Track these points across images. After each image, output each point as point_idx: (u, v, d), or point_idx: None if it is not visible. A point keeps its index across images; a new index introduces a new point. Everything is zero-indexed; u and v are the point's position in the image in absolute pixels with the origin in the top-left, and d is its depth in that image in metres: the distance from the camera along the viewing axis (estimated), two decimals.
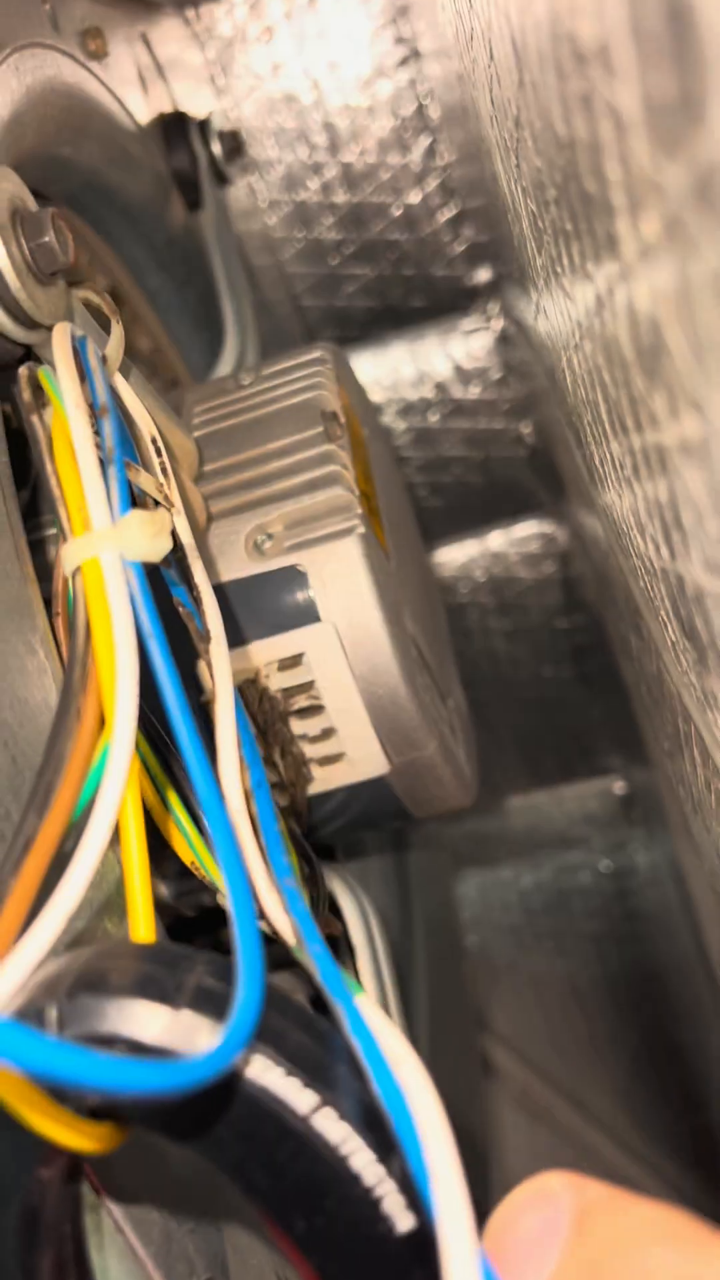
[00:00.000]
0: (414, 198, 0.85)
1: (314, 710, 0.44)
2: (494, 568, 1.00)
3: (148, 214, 0.60)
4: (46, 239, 0.28)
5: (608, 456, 0.31)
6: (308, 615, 0.43)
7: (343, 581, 0.43)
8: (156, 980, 0.19)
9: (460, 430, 0.94)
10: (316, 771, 0.45)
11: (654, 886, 1.05)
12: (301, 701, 0.44)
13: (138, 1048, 0.19)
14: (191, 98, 0.75)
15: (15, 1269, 0.21)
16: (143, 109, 0.60)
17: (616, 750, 1.04)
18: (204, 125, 0.62)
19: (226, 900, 0.21)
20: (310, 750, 0.45)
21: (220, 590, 0.44)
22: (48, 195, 0.53)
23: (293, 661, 0.43)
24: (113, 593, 0.24)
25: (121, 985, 0.19)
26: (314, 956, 0.22)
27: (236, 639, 0.43)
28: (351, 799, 0.47)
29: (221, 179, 0.65)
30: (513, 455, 0.94)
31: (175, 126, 0.61)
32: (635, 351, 0.19)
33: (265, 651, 0.43)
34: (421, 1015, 0.65)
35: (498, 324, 0.89)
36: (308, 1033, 0.20)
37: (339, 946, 0.46)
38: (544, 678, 1.03)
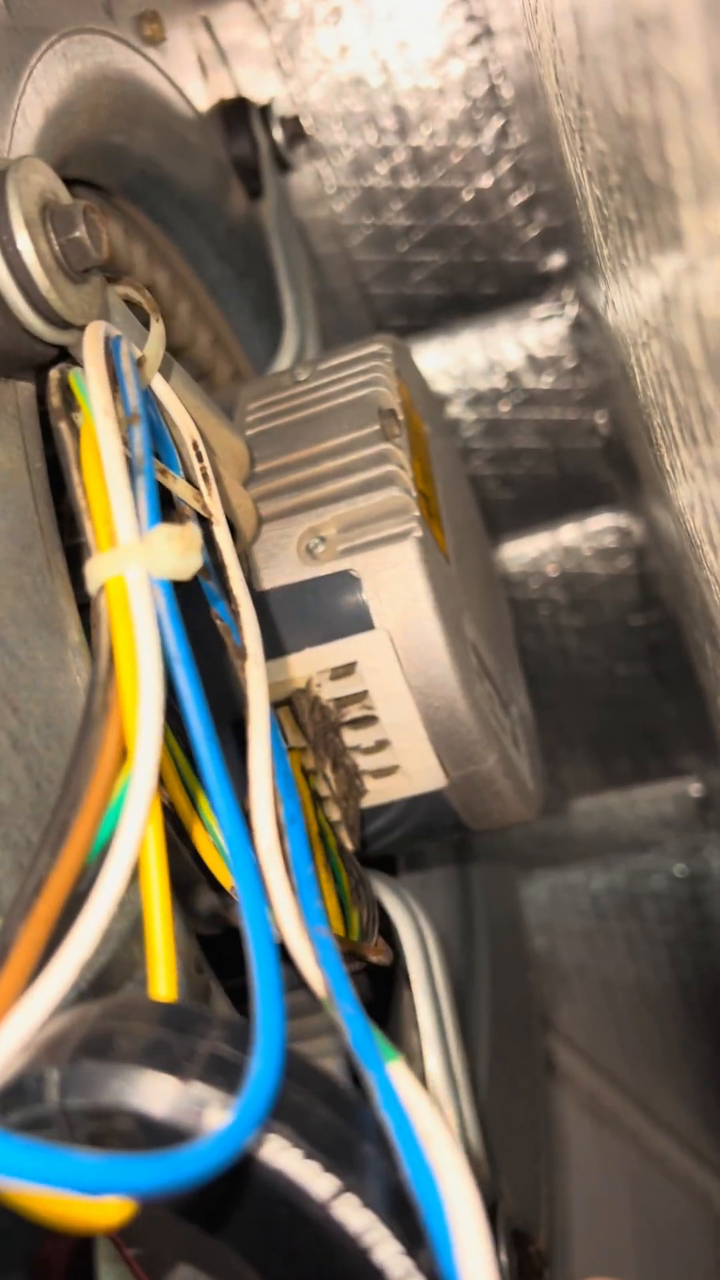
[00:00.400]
0: (485, 181, 0.83)
1: (367, 721, 0.42)
2: (566, 562, 0.97)
3: (207, 203, 0.59)
4: (78, 234, 0.26)
5: (678, 463, 0.28)
6: (361, 622, 0.41)
7: (398, 587, 0.41)
8: (166, 1047, 0.18)
9: (532, 421, 0.92)
10: (371, 784, 0.44)
11: None
12: (354, 712, 0.42)
13: (143, 1123, 0.17)
14: (257, 83, 0.73)
15: None
16: (202, 95, 0.59)
17: (693, 751, 1.00)
18: (265, 110, 0.61)
19: (248, 960, 0.19)
20: (364, 762, 0.43)
21: (271, 596, 0.42)
22: (103, 185, 0.52)
23: (345, 670, 0.41)
24: (138, 613, 0.23)
25: (129, 1052, 0.18)
26: (345, 1018, 0.20)
27: (287, 646, 0.42)
28: (407, 812, 0.45)
29: (283, 166, 0.63)
30: (586, 446, 0.91)
31: (236, 112, 0.59)
32: (705, 359, 0.17)
33: (317, 660, 0.41)
34: (483, 1025, 0.63)
35: (572, 310, 0.86)
36: (331, 1107, 0.18)
37: (393, 974, 0.44)
38: (617, 676, 1.00)
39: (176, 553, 0.23)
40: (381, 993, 0.51)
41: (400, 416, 0.44)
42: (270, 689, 0.41)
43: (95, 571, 0.24)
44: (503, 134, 0.80)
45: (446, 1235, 0.17)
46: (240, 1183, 0.17)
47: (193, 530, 0.23)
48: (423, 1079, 0.44)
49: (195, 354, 0.63)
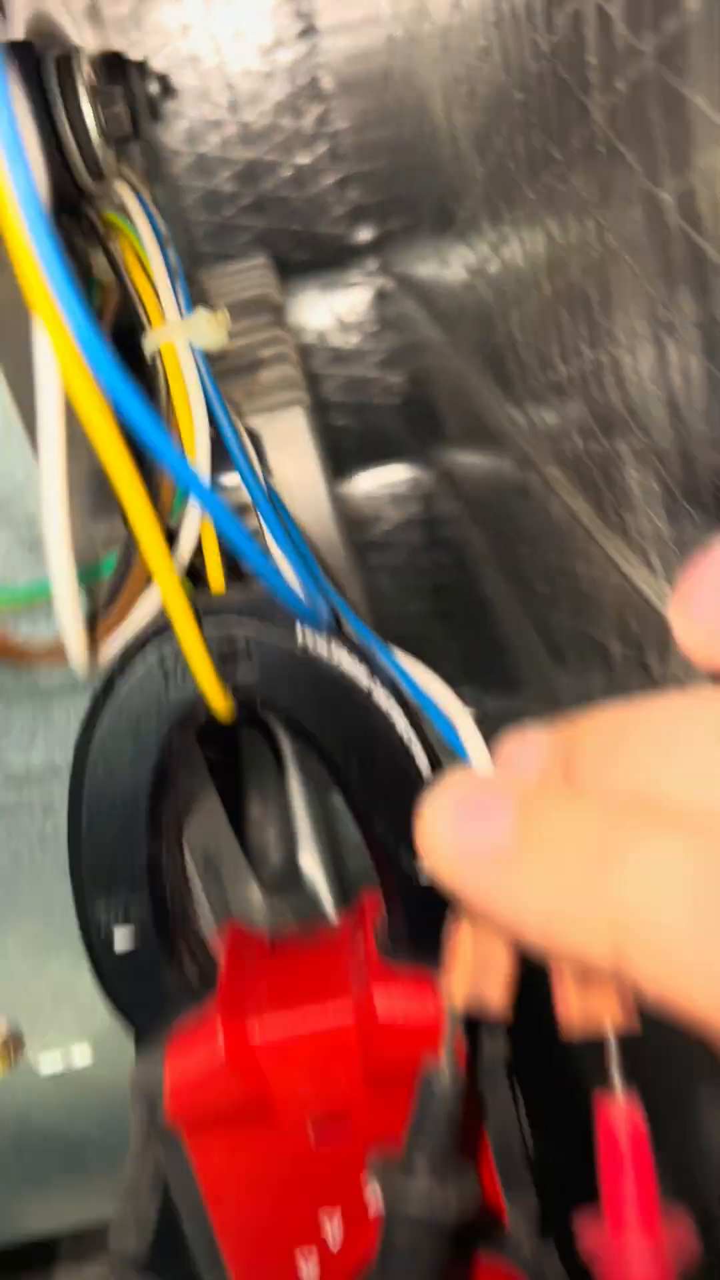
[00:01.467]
0: (304, 159, 0.93)
1: None
2: (365, 507, 1.08)
3: None
4: (117, 109, 0.36)
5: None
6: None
7: (291, 445, 0.51)
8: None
9: (340, 377, 1.03)
10: None
11: None
12: None
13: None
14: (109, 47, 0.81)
15: None
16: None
17: (470, 683, 1.13)
18: (142, 66, 0.69)
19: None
20: None
21: None
22: None
23: None
24: (186, 368, 0.33)
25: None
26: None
27: None
28: None
29: (155, 117, 0.72)
30: (385, 403, 1.03)
31: (115, 64, 0.67)
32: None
33: None
34: None
35: (376, 281, 0.98)
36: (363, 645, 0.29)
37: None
38: (409, 613, 1.11)
39: (213, 329, 0.33)
40: None
41: (285, 316, 0.55)
42: None
43: (152, 341, 0.33)
44: (322, 119, 0.91)
45: (441, 718, 0.28)
46: (312, 675, 0.27)
47: (224, 313, 0.33)
48: None
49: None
